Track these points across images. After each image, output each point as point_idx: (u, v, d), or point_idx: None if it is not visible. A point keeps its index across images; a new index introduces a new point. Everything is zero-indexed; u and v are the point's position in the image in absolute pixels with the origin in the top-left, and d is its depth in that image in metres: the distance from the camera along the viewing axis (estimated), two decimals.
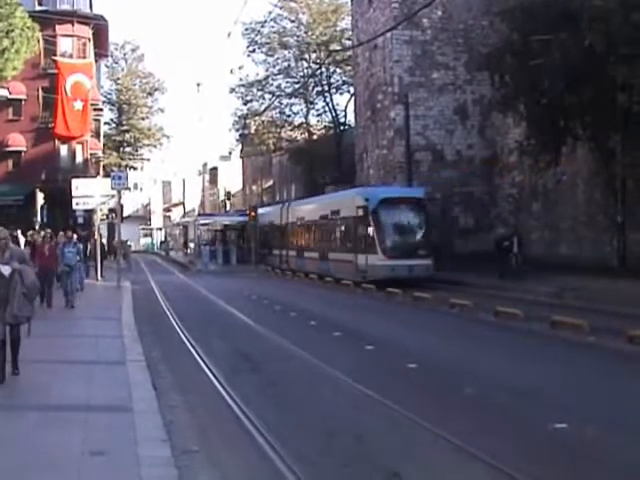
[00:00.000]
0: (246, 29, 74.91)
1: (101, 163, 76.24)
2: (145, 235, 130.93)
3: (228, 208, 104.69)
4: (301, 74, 76.89)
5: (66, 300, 26.40)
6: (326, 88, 75.11)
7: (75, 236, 30.11)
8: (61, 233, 29.54)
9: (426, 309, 27.44)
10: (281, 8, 74.12)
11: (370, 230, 38.25)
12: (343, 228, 42.99)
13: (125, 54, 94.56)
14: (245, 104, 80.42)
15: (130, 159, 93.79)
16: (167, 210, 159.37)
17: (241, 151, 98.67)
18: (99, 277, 40.47)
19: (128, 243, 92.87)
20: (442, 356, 17.05)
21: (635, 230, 34.75)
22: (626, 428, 10.50)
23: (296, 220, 53.03)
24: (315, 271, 46.19)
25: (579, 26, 29.85)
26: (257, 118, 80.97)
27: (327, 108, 76.03)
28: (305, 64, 76.79)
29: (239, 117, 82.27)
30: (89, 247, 41.47)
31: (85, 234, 43.19)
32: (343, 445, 9.83)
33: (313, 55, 75.28)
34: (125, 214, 79.72)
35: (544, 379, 14.11)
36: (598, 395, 12.73)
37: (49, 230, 32.11)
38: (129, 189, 44.29)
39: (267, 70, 78.16)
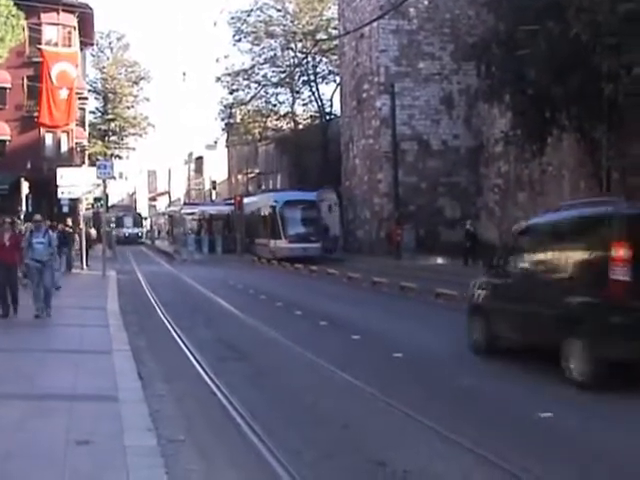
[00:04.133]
0: (232, 18, 75.08)
1: (86, 152, 76.07)
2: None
3: (214, 197, 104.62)
4: (287, 63, 76.88)
5: (36, 307, 20.38)
6: (312, 77, 75.12)
7: (47, 223, 26.24)
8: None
9: (412, 299, 27.46)
10: None
11: (277, 223, 52.64)
12: (263, 221, 56.57)
13: (110, 43, 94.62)
14: (231, 93, 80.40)
15: (115, 148, 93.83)
16: (152, 199, 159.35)
17: (227, 140, 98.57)
18: (84, 266, 40.40)
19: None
20: (428, 346, 17.05)
21: None
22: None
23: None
24: (250, 252, 58.27)
25: (565, 16, 29.83)
26: (243, 107, 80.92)
27: (313, 97, 76.17)
28: (291, 53, 76.77)
29: (225, 106, 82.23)
30: (77, 238, 40.80)
31: (70, 223, 42.36)
32: (329, 434, 9.83)
33: (299, 44, 75.22)
34: (110, 203, 79.46)
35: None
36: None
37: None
38: (114, 178, 44.01)
39: (253, 59, 78.21)
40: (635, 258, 11.75)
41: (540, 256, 14.48)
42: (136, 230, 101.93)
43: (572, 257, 13.31)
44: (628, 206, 13.03)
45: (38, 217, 22.32)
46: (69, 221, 40.38)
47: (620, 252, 11.91)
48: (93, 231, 61.96)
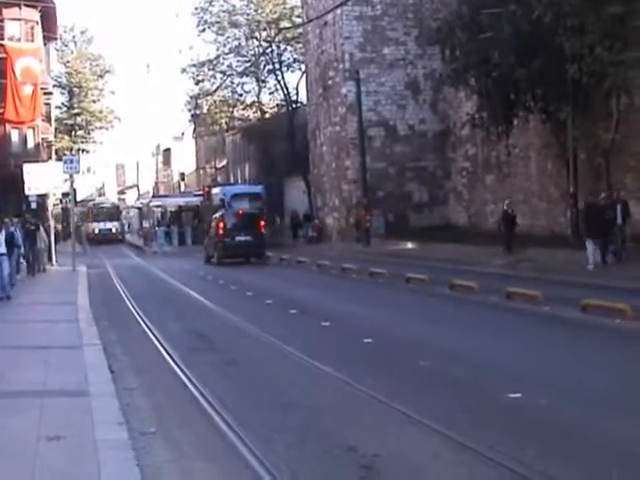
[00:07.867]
0: (195, 8, 74.62)
1: (53, 147, 75.43)
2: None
3: (182, 189, 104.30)
4: (252, 53, 76.50)
5: None
6: (277, 66, 74.78)
7: None
8: None
9: (382, 284, 27.55)
10: None
11: None
12: (216, 210, 58.85)
13: (74, 37, 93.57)
14: (197, 84, 79.97)
15: (83, 142, 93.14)
16: (121, 193, 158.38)
17: (194, 131, 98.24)
18: (53, 262, 40.20)
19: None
20: (398, 330, 17.13)
21: None
22: (577, 396, 10.61)
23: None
24: None
25: None
26: (209, 98, 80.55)
27: (279, 86, 75.74)
28: (256, 42, 76.37)
29: (191, 97, 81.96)
30: (44, 233, 38.74)
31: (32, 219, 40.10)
32: (299, 421, 9.86)
33: (263, 33, 74.89)
34: (79, 198, 78.76)
35: (499, 350, 14.27)
36: (552, 364, 12.83)
37: None
38: (80, 172, 43.65)
39: (218, 49, 77.62)
40: (225, 225, 42.71)
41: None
42: (109, 225, 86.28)
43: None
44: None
45: None
46: (28, 216, 37.98)
47: (220, 223, 42.81)
48: (59, 226, 61.39)
